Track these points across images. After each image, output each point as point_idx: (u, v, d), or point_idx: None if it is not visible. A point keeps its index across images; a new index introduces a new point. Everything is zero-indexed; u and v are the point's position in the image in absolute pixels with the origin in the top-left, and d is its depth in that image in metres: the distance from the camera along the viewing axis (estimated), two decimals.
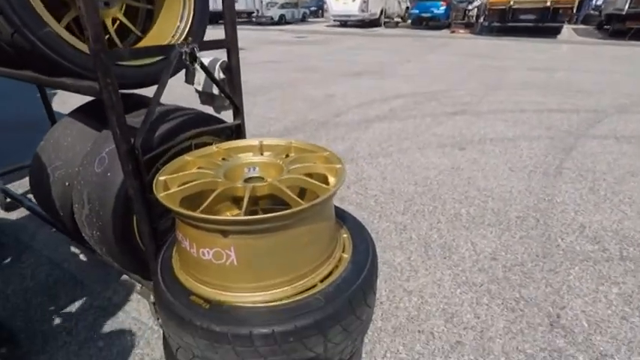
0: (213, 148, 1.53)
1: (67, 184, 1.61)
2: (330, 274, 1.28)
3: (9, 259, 2.41)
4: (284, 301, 1.16)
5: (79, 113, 1.80)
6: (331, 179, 1.35)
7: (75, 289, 2.12)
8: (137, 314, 1.96)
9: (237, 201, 1.34)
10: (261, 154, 1.57)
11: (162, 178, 1.26)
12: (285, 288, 1.18)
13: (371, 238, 1.53)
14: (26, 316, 1.96)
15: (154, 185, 1.19)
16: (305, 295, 1.18)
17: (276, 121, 5.22)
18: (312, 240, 1.21)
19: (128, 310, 1.98)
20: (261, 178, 1.37)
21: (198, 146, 1.75)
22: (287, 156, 1.56)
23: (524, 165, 3.72)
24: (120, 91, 1.28)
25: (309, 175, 1.36)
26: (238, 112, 1.84)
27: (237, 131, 1.89)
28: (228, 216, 1.38)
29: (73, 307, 2.00)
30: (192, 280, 1.21)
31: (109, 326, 1.88)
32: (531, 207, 2.96)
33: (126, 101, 1.37)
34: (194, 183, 1.21)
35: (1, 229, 2.67)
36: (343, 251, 1.39)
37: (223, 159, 1.53)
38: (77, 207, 1.53)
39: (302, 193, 1.38)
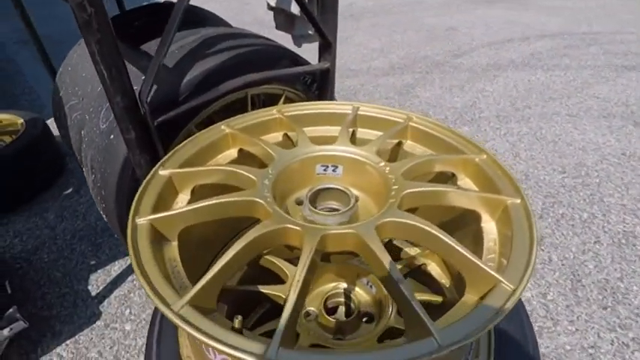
0: (273, 112, 0.90)
1: (82, 132, 1.16)
2: None
3: (70, 190, 2.24)
4: None
5: None
6: (488, 226, 0.63)
7: (119, 244, 1.84)
8: None
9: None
10: (352, 135, 0.90)
11: (164, 172, 0.68)
12: None
13: (527, 317, 0.83)
14: (66, 266, 1.75)
15: (137, 194, 0.62)
16: None
17: (380, 54, 4.31)
18: None
19: None
20: (342, 194, 0.71)
21: (255, 101, 1.13)
22: (399, 147, 0.86)
23: None
24: None
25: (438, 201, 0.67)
26: (329, 48, 1.14)
27: (322, 80, 1.21)
28: (274, 263, 0.79)
29: (113, 268, 1.73)
30: None
31: (142, 306, 1.56)
32: None
33: (144, 14, 0.77)
34: (211, 203, 0.61)
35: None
36: (477, 356, 0.72)
37: (285, 135, 0.90)
38: (86, 171, 1.08)
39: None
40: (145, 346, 0.77)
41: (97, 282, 1.69)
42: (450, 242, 0.52)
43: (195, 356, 0.68)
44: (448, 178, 0.77)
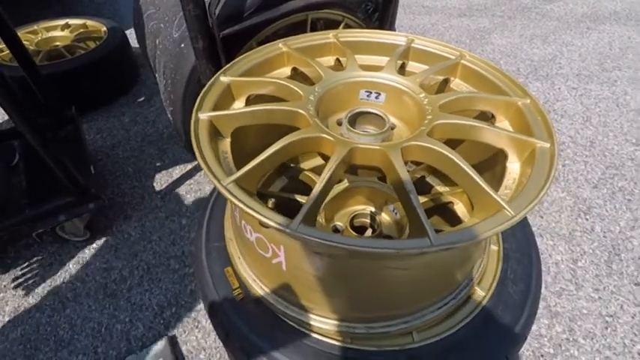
0: (329, 36, 0.93)
1: (157, 40, 1.27)
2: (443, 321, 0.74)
3: (142, 98, 2.47)
4: (344, 343, 0.71)
5: None
6: (512, 166, 0.67)
7: (182, 150, 2.06)
8: None
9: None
10: (402, 67, 0.92)
11: (224, 79, 0.77)
12: (357, 325, 0.70)
13: (538, 262, 0.88)
14: (137, 164, 2.01)
15: (201, 94, 0.72)
16: (382, 346, 0.70)
17: None
18: (424, 277, 0.65)
19: None
20: (380, 119, 0.77)
21: (315, 25, 1.16)
22: (446, 84, 0.88)
23: None
24: None
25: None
26: None
27: (384, 9, 1.19)
28: (312, 178, 0.88)
29: (174, 171, 1.96)
30: (236, 245, 0.83)
31: (196, 205, 1.79)
32: None
33: None
34: (260, 109, 0.70)
35: (144, 64, 2.71)
36: (480, 282, 0.80)
37: (337, 60, 0.94)
38: (158, 77, 1.21)
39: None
40: (197, 225, 0.93)
41: (160, 181, 1.93)
42: (465, 168, 0.57)
43: (236, 237, 0.82)
44: (487, 119, 0.78)
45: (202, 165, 0.57)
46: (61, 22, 2.56)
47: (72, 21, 2.57)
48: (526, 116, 0.70)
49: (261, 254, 0.69)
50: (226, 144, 0.70)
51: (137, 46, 2.89)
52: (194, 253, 0.88)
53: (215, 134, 0.69)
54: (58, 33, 2.51)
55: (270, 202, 0.81)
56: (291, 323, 0.73)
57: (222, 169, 0.60)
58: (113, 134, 2.22)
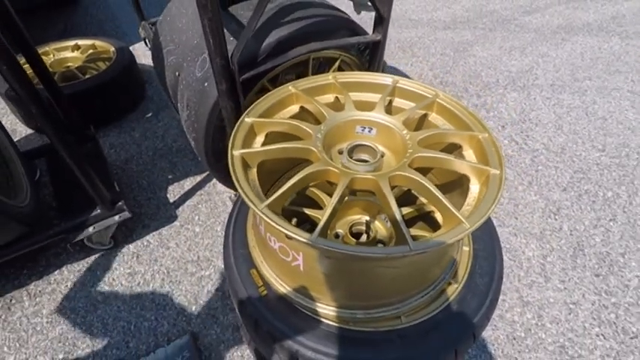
0: (329, 77, 1.13)
1: (177, 74, 1.46)
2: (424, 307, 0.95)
3: (150, 114, 2.64)
4: (348, 326, 0.91)
5: None
6: (473, 187, 0.88)
7: (191, 163, 2.25)
8: None
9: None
10: (390, 103, 1.13)
11: (248, 120, 0.97)
12: (358, 311, 0.91)
13: (500, 259, 1.09)
14: (150, 177, 2.19)
15: (232, 134, 0.91)
16: (377, 327, 0.91)
17: (445, 4, 4.18)
18: (409, 273, 0.85)
19: (229, 203, 2.03)
20: (372, 150, 0.97)
21: (315, 62, 1.36)
22: (425, 117, 1.09)
23: None
24: None
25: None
26: (381, 22, 1.32)
27: (373, 50, 1.40)
28: (317, 194, 1.08)
29: (185, 183, 2.15)
30: (259, 251, 1.03)
31: (207, 215, 1.98)
32: None
33: None
34: (280, 147, 0.90)
35: (149, 80, 2.89)
36: (454, 277, 1.01)
37: (336, 98, 1.14)
38: (180, 107, 1.40)
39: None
40: (223, 236, 1.13)
41: (173, 192, 2.12)
42: (436, 193, 0.78)
43: (258, 244, 1.02)
44: (456, 148, 0.99)
45: (242, 194, 0.77)
46: (71, 42, 2.71)
47: (81, 42, 2.73)
48: (484, 147, 0.91)
49: (282, 258, 0.89)
50: (254, 173, 0.89)
51: (142, 63, 3.06)
52: (224, 259, 1.08)
53: (245, 166, 0.89)
54: (69, 54, 2.67)
55: (293, 221, 1.01)
56: (307, 312, 0.93)
57: (255, 194, 0.80)
58: (126, 149, 2.39)
